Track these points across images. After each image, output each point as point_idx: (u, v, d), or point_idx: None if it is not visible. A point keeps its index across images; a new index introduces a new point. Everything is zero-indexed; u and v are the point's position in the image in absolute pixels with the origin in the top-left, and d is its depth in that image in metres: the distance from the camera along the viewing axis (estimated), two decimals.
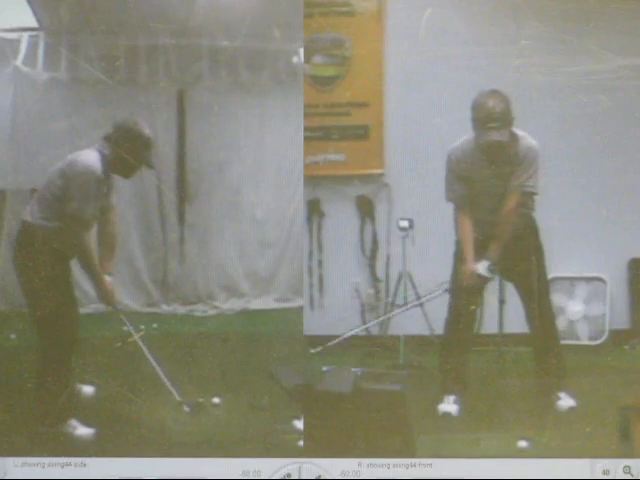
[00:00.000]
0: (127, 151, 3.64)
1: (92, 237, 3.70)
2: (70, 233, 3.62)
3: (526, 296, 3.83)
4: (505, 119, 3.66)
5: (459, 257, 3.82)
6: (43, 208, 3.62)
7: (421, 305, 4.26)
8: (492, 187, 3.76)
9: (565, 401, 3.74)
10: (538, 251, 3.83)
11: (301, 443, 3.47)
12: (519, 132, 3.73)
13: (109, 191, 3.71)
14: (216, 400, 3.80)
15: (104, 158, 3.61)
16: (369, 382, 3.87)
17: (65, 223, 3.61)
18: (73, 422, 3.59)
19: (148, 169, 3.76)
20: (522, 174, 3.73)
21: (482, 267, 3.76)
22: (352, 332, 4.17)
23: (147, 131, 3.70)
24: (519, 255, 3.81)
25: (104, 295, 3.77)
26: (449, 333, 3.88)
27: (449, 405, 3.76)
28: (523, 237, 3.82)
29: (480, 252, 3.76)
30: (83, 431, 3.59)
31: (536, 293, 3.81)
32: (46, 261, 3.62)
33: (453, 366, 3.84)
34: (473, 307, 3.87)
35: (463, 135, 3.86)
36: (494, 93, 3.69)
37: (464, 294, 3.82)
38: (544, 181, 3.85)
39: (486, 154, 3.72)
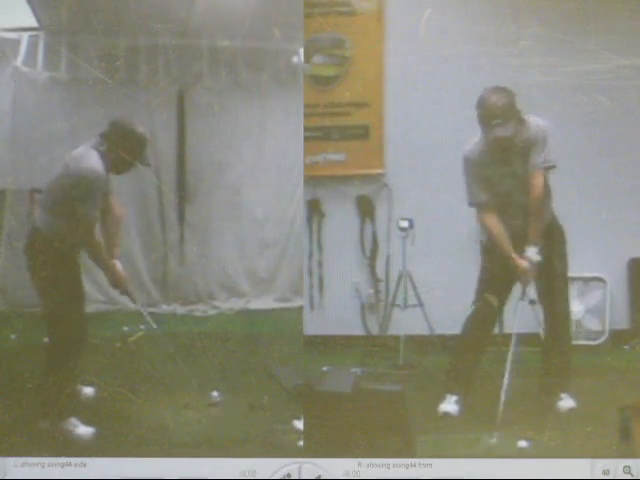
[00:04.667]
0: (122, 148, 3.67)
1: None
2: (77, 233, 3.65)
3: (548, 296, 3.83)
4: (508, 113, 3.67)
5: (499, 256, 3.79)
6: (49, 211, 3.65)
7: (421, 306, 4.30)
8: (514, 179, 3.76)
9: (566, 401, 3.74)
10: (562, 251, 3.83)
11: (301, 443, 3.47)
12: (526, 117, 3.73)
13: (109, 185, 3.75)
14: (215, 394, 3.81)
15: (103, 156, 3.64)
16: (369, 382, 3.87)
17: (73, 224, 3.64)
18: (74, 420, 3.60)
19: (144, 166, 3.78)
20: (539, 154, 3.73)
21: (532, 253, 3.73)
22: None
23: (141, 129, 3.73)
24: (543, 254, 3.80)
25: (117, 281, 3.81)
26: (470, 333, 3.85)
27: (450, 405, 3.76)
28: (547, 237, 3.82)
29: (520, 243, 3.74)
30: (83, 430, 3.59)
31: (559, 293, 3.82)
32: (56, 263, 3.64)
33: (464, 366, 3.82)
34: (497, 308, 3.84)
35: (463, 135, 3.87)
36: (496, 89, 3.69)
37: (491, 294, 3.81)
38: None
39: (495, 150, 3.72)
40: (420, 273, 4.29)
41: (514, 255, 3.73)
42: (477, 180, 3.75)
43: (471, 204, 3.80)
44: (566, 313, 3.89)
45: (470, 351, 3.84)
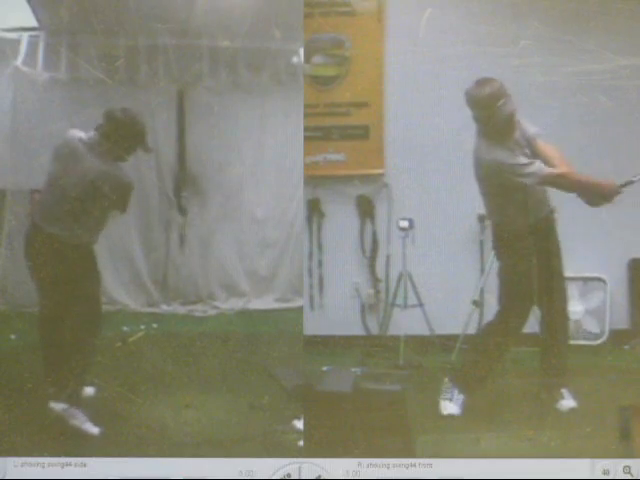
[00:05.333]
0: (122, 146, 3.70)
1: None
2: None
3: (545, 296, 3.82)
4: (505, 92, 3.69)
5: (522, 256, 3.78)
6: (53, 212, 3.68)
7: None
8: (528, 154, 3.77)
9: (566, 401, 3.74)
10: (557, 248, 3.82)
11: (301, 443, 3.47)
12: None
13: None
14: None
15: (104, 156, 3.67)
16: (369, 382, 3.87)
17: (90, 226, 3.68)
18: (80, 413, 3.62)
19: (145, 153, 3.81)
20: (529, 126, 3.76)
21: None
22: None
23: (138, 116, 3.75)
24: (538, 254, 3.79)
25: None
26: (496, 335, 3.84)
27: (456, 406, 3.75)
28: (542, 236, 3.81)
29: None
30: (87, 426, 3.61)
31: (556, 292, 3.81)
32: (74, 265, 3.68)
33: (482, 368, 3.81)
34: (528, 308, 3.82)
35: (463, 135, 3.87)
36: (481, 81, 3.71)
37: (523, 294, 3.79)
38: None
39: (505, 131, 3.72)
40: (420, 273, 4.29)
41: (597, 180, 3.73)
42: (516, 162, 3.71)
43: (537, 183, 3.72)
44: (564, 312, 3.89)
45: (493, 353, 3.83)
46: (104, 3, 4.05)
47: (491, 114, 3.69)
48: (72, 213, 3.67)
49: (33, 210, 3.83)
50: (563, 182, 3.72)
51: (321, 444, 3.44)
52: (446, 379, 3.82)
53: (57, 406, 3.61)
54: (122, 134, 3.71)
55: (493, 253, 3.97)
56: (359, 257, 4.54)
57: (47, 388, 3.62)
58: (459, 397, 3.77)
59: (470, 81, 3.81)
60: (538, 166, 3.70)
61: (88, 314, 3.73)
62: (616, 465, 3.24)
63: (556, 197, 3.87)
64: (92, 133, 3.73)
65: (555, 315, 3.85)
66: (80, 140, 3.70)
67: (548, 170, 3.70)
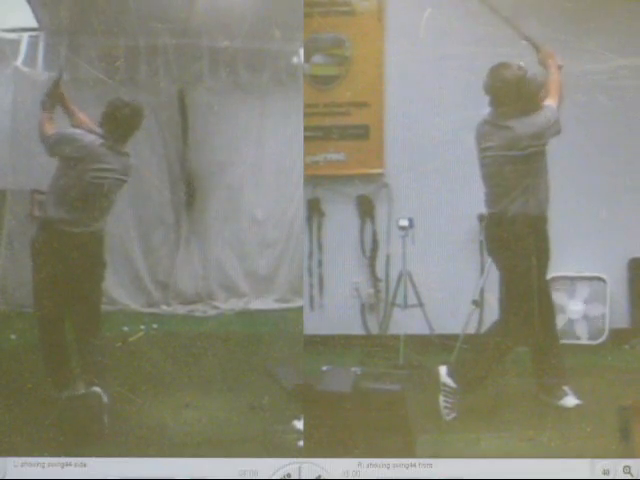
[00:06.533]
0: (124, 127, 3.81)
1: None
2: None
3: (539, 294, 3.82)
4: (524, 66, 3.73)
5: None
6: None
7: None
8: None
9: (570, 398, 3.74)
10: (544, 247, 3.83)
11: (301, 443, 3.47)
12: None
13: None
14: None
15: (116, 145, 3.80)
16: (369, 382, 3.87)
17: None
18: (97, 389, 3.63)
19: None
20: None
21: None
22: None
23: (135, 107, 3.82)
24: (522, 252, 3.79)
25: None
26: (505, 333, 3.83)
27: (456, 414, 3.75)
28: (535, 236, 3.81)
29: None
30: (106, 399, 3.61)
31: (544, 291, 3.81)
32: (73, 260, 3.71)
33: (483, 366, 3.80)
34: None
35: (463, 135, 3.87)
36: (499, 65, 3.73)
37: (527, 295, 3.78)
38: None
39: (539, 96, 3.76)
40: (420, 273, 4.29)
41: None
42: (552, 117, 3.73)
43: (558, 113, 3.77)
44: (551, 311, 3.89)
45: (499, 356, 3.82)
46: (104, 3, 4.05)
47: (527, 84, 3.70)
48: (99, 210, 3.73)
49: (48, 212, 3.84)
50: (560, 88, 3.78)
51: (321, 444, 3.44)
52: (443, 373, 3.81)
53: (104, 396, 3.61)
54: (123, 121, 3.81)
55: (491, 258, 3.97)
56: (359, 257, 4.54)
57: (92, 378, 3.64)
58: (459, 403, 3.76)
59: (470, 81, 3.82)
60: (552, 107, 3.74)
61: (92, 313, 3.77)
62: (616, 465, 3.25)
63: (557, 197, 3.87)
64: (100, 130, 3.79)
65: (548, 313, 3.85)
66: (100, 144, 3.77)
67: (554, 101, 3.74)
